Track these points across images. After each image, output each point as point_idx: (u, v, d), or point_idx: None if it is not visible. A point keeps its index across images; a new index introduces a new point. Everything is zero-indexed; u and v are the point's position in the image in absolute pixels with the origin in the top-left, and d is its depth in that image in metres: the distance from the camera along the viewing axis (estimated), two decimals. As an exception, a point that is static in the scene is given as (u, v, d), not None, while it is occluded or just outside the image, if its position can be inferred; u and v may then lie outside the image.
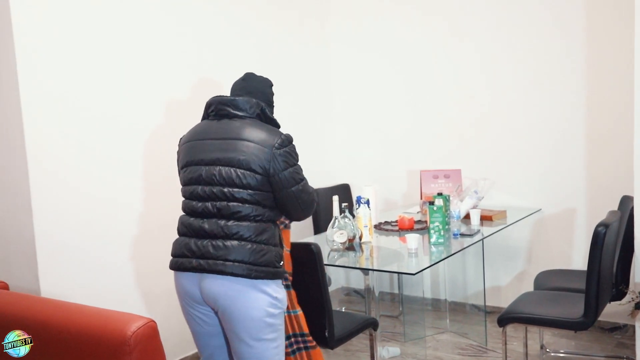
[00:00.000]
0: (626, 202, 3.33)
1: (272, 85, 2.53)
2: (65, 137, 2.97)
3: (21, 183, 2.84)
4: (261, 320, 2.22)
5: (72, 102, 2.99)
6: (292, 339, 2.53)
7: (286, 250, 2.46)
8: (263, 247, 2.23)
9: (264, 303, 2.22)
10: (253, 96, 2.39)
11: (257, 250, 2.22)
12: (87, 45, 3.06)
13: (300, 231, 4.43)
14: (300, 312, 2.51)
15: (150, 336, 1.74)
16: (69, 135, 2.98)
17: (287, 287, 2.46)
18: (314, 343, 2.56)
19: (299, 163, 2.35)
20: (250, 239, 2.22)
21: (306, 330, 2.53)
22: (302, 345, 2.54)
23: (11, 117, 2.83)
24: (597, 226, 2.73)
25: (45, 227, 2.89)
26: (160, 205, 3.37)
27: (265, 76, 2.52)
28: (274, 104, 2.53)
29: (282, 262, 2.32)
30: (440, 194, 3.37)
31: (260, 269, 2.21)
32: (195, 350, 3.56)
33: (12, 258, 2.96)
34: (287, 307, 2.49)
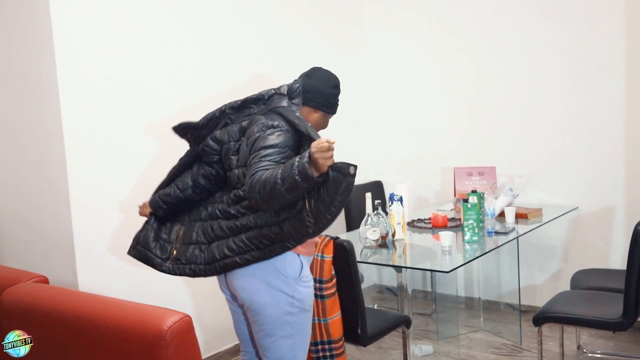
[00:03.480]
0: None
1: (338, 85, 2.41)
2: (103, 134, 3.02)
3: (60, 180, 2.90)
4: (278, 317, 2.21)
5: (108, 104, 3.04)
6: (319, 346, 2.54)
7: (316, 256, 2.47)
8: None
9: (282, 301, 2.20)
10: (312, 96, 2.35)
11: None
12: (126, 46, 3.11)
13: (333, 228, 4.43)
14: (331, 319, 2.51)
15: (185, 331, 1.76)
16: (106, 132, 3.03)
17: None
18: (341, 350, 2.56)
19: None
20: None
21: (336, 336, 2.53)
22: (327, 354, 2.54)
23: (51, 116, 2.89)
24: (638, 224, 2.67)
25: (83, 222, 2.94)
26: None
27: (332, 73, 2.42)
28: (337, 104, 2.43)
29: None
30: (474, 192, 3.33)
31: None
32: (229, 345, 3.61)
33: (51, 253, 3.03)
34: (318, 315, 2.50)
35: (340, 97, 2.46)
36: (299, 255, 2.24)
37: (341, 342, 2.57)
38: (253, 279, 2.22)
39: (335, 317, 2.54)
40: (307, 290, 2.27)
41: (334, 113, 2.46)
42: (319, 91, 2.36)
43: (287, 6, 4.12)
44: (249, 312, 2.29)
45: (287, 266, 2.21)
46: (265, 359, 2.29)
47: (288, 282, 2.21)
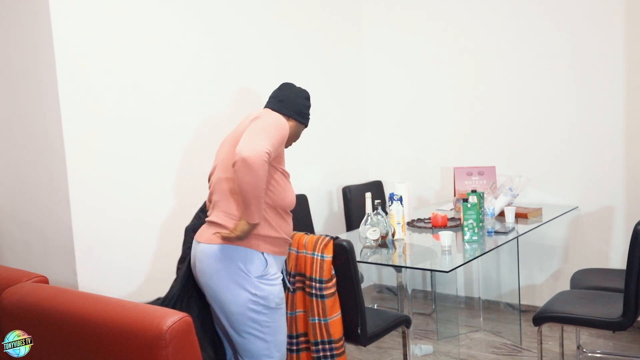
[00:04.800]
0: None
1: (309, 97, 2.57)
2: (103, 134, 3.02)
3: (60, 180, 2.90)
4: (242, 314, 2.29)
5: (108, 104, 3.04)
6: (320, 346, 2.55)
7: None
8: None
9: (244, 298, 2.28)
10: (284, 105, 2.48)
11: None
12: (126, 46, 3.10)
13: (333, 228, 4.44)
14: (332, 319, 2.52)
15: (185, 331, 1.76)
16: (106, 132, 3.03)
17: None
18: (342, 350, 2.57)
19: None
20: None
21: (336, 336, 2.54)
22: (328, 354, 2.55)
23: (50, 116, 2.89)
24: (637, 224, 2.67)
25: (83, 222, 2.94)
26: (192, 202, 3.40)
27: (303, 88, 2.58)
28: (308, 116, 2.58)
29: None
30: (474, 191, 3.33)
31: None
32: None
33: (51, 253, 3.03)
34: (318, 315, 2.51)
35: (311, 111, 2.61)
36: (263, 253, 2.31)
37: (341, 342, 2.57)
38: (215, 276, 2.28)
39: (335, 317, 2.54)
40: (271, 288, 2.31)
41: (306, 125, 2.59)
42: (292, 101, 2.51)
43: (288, 5, 4.12)
44: (215, 310, 2.35)
45: (248, 264, 2.27)
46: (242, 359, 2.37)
47: (250, 280, 2.27)
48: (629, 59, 3.81)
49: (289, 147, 2.58)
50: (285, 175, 2.43)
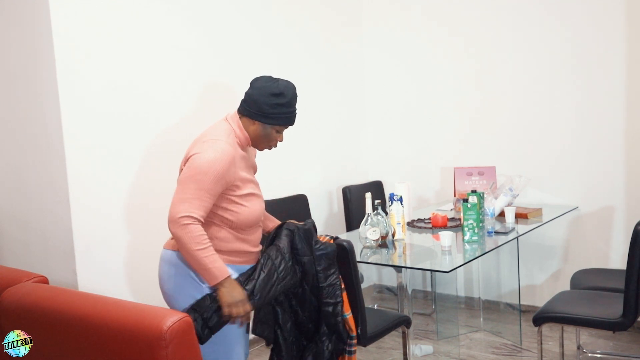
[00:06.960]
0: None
1: (278, 93, 2.26)
2: (102, 134, 3.02)
3: (60, 180, 2.90)
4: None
5: (108, 104, 3.04)
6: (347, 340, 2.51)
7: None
8: None
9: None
10: (247, 105, 2.29)
11: None
12: (126, 45, 3.10)
13: (333, 228, 4.44)
14: (348, 315, 2.50)
15: (185, 331, 1.76)
16: (106, 132, 3.03)
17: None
18: (355, 348, 2.54)
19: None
20: None
21: (353, 332, 2.51)
22: (346, 348, 2.51)
23: (50, 116, 2.89)
24: (637, 224, 2.67)
25: (83, 222, 2.94)
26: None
27: (279, 81, 2.31)
28: (279, 115, 2.28)
29: None
30: (474, 191, 3.33)
31: None
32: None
33: (51, 253, 3.03)
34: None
35: (290, 108, 2.30)
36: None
37: (355, 340, 2.55)
38: (169, 282, 2.27)
39: (349, 315, 2.51)
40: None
41: (278, 124, 2.31)
42: (254, 100, 2.27)
43: (288, 4, 4.12)
44: None
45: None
46: None
47: (201, 289, 2.21)
48: (630, 59, 3.81)
49: (278, 148, 2.41)
50: (248, 196, 2.28)
